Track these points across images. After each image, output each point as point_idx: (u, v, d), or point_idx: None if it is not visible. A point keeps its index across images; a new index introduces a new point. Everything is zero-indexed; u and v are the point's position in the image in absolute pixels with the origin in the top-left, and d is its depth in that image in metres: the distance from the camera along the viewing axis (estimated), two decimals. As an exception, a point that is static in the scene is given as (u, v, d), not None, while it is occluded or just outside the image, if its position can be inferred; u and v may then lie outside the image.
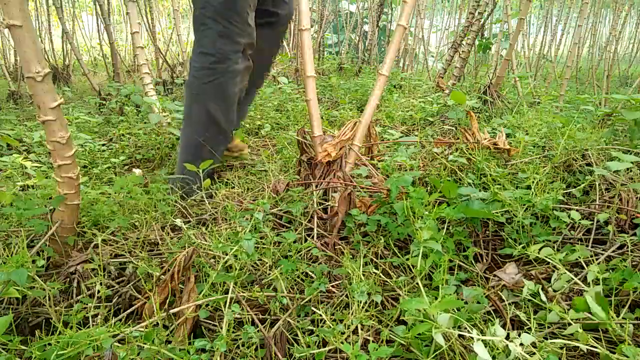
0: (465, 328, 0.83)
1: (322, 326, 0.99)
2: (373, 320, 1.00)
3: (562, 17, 6.52)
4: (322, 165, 1.48)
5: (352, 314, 0.99)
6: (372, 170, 1.53)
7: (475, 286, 1.14)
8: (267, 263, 1.18)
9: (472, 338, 0.77)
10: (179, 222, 1.33)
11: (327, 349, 0.94)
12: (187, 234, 1.29)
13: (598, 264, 1.17)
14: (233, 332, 0.96)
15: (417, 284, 0.99)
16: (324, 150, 1.47)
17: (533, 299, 1.04)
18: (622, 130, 2.35)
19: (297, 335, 1.00)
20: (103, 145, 2.37)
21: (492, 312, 1.07)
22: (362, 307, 1.02)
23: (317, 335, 0.94)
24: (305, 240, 1.30)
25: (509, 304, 1.08)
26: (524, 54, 5.44)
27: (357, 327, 0.97)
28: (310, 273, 1.16)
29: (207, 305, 1.02)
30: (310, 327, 1.00)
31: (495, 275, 1.14)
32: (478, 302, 0.98)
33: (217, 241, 1.18)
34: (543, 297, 1.00)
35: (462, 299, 0.98)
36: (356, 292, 0.98)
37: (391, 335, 0.94)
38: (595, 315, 0.88)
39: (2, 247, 1.28)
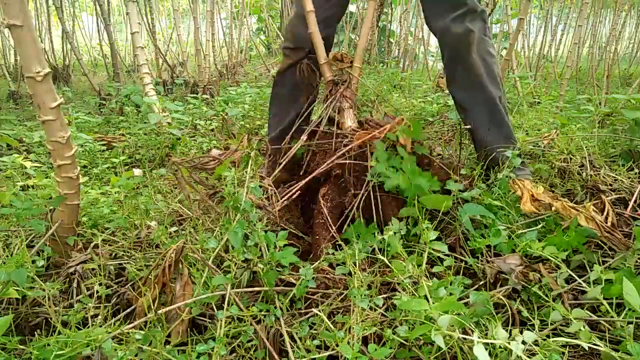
0: (469, 329, 0.82)
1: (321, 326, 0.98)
2: (374, 323, 0.98)
3: (562, 17, 6.51)
4: (328, 86, 1.53)
5: (354, 321, 0.96)
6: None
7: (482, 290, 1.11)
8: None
9: (474, 339, 0.77)
10: (153, 223, 1.33)
11: (327, 354, 0.93)
12: (162, 232, 1.26)
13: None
14: (230, 330, 0.95)
15: (422, 284, 0.97)
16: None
17: (536, 295, 1.04)
18: (622, 130, 2.35)
19: (295, 335, 0.99)
20: (103, 145, 2.37)
21: (496, 305, 1.05)
22: (364, 312, 0.99)
23: (317, 339, 0.92)
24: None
25: (515, 299, 1.06)
26: (524, 54, 5.43)
27: (358, 327, 0.95)
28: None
29: (204, 303, 1.01)
30: (308, 332, 0.98)
31: (493, 263, 1.11)
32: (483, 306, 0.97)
33: (203, 236, 1.16)
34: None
35: (467, 302, 0.96)
36: (358, 298, 0.95)
37: (393, 337, 0.93)
38: (627, 303, 0.86)
39: (2, 247, 1.28)
